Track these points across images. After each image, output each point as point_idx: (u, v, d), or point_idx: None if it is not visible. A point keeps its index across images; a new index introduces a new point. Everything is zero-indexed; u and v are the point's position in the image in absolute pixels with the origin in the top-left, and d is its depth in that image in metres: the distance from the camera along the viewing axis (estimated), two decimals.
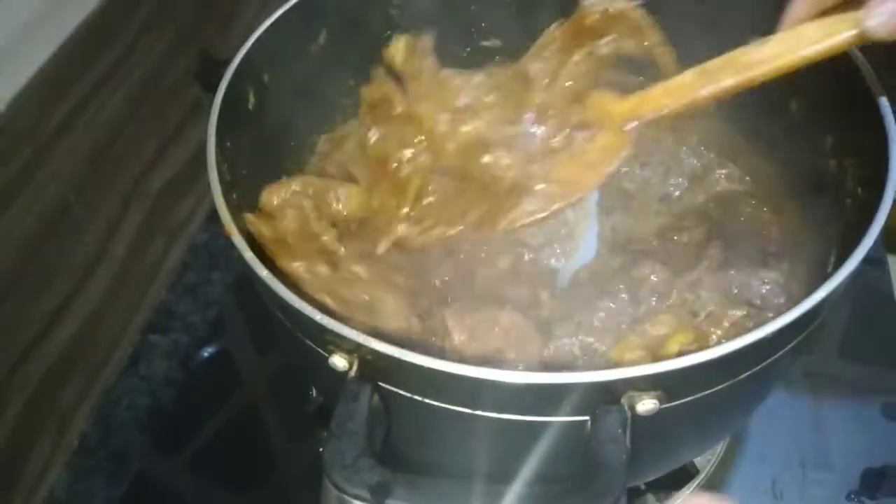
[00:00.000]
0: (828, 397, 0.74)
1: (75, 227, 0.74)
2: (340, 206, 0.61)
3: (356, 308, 0.55)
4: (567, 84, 0.57)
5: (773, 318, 0.43)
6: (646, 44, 0.55)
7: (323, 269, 0.57)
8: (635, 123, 0.54)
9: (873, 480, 0.69)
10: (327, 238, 0.59)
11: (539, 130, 0.56)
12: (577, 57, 0.57)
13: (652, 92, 0.53)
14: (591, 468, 0.40)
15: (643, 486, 0.65)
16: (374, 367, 0.43)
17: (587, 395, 0.41)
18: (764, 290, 0.59)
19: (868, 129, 0.52)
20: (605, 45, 0.56)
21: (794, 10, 0.49)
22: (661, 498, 0.66)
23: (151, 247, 0.87)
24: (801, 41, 0.48)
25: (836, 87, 0.55)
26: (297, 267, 0.56)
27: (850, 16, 0.46)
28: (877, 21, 0.44)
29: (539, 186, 0.54)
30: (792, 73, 0.52)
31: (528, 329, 0.56)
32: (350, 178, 0.65)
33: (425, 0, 0.69)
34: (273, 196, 0.59)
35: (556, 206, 0.54)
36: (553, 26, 0.58)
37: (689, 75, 0.52)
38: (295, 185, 0.60)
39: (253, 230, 0.55)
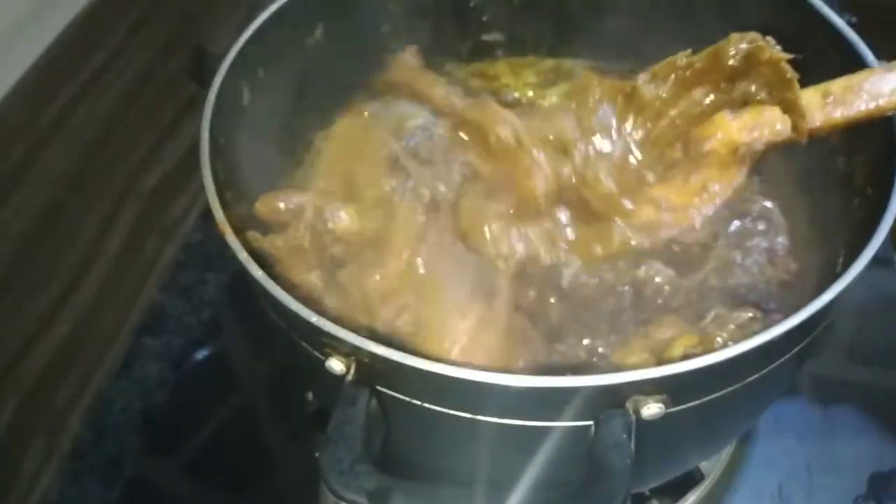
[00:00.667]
0: (835, 400, 0.74)
1: (68, 226, 0.74)
2: (332, 226, 0.59)
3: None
4: (674, 116, 0.55)
5: (781, 320, 0.42)
6: (783, 97, 0.52)
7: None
8: (751, 152, 0.51)
9: (881, 485, 0.68)
10: (336, 250, 0.58)
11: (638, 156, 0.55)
12: (698, 93, 0.54)
13: (767, 113, 0.51)
14: (595, 474, 0.40)
15: (647, 492, 0.64)
16: (371, 371, 0.43)
17: (591, 400, 0.40)
18: (771, 292, 0.58)
19: (877, 127, 0.51)
20: (736, 89, 0.53)
21: None
22: None
23: (145, 246, 0.87)
24: None
25: None
26: (314, 278, 0.55)
27: None
28: None
29: (646, 212, 0.53)
30: (801, 72, 0.51)
31: (532, 331, 0.55)
32: (350, 183, 0.64)
33: None
34: (267, 206, 0.58)
35: (663, 235, 0.54)
36: (681, 55, 0.55)
37: (810, 95, 0.49)
38: (287, 202, 0.59)
39: (262, 246, 0.54)
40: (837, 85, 0.49)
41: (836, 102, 0.48)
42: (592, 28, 0.69)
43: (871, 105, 0.48)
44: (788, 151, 0.65)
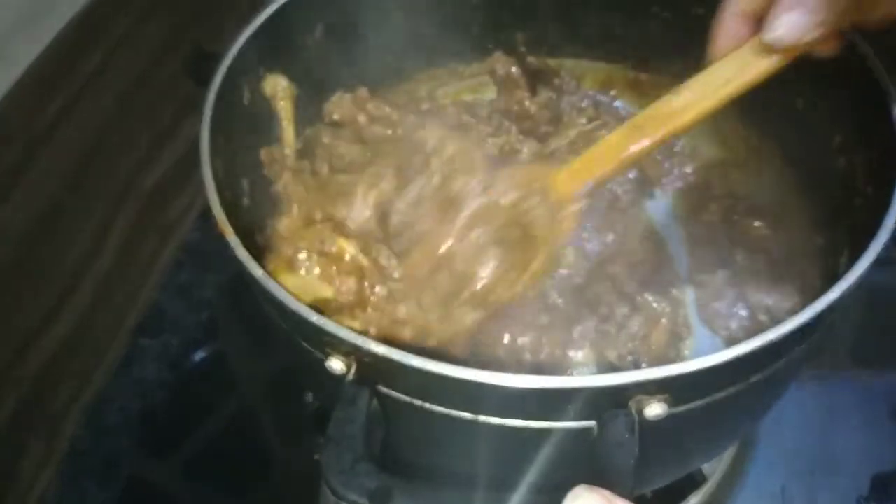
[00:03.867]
0: (837, 401, 0.74)
1: (67, 226, 0.74)
2: None
3: None
4: None
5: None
6: None
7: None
8: (581, 193, 0.54)
9: (883, 485, 0.68)
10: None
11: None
12: None
13: (589, 156, 0.53)
14: (599, 474, 0.40)
15: (649, 495, 0.64)
16: (372, 370, 0.43)
17: (594, 400, 0.41)
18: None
19: (877, 126, 0.51)
20: None
21: (716, 48, 0.49)
22: None
23: (144, 246, 0.87)
24: (717, 81, 0.49)
25: (844, 84, 0.55)
26: None
27: (756, 41, 0.46)
28: (775, 34, 0.44)
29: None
30: (798, 70, 0.51)
31: None
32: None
33: None
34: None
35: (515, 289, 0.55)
36: None
37: (618, 135, 0.52)
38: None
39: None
40: (639, 118, 0.52)
41: (640, 132, 0.51)
42: (591, 29, 0.70)
43: (670, 126, 0.50)
44: (789, 152, 0.65)
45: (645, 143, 0.51)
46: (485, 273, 0.55)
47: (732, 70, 0.48)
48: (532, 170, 0.58)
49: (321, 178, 0.63)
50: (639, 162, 0.54)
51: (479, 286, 0.55)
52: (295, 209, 0.59)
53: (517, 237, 0.55)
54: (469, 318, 0.55)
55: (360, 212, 0.59)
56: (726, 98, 0.48)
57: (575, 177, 0.54)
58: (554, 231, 0.54)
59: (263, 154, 0.61)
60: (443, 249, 0.56)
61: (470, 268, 0.55)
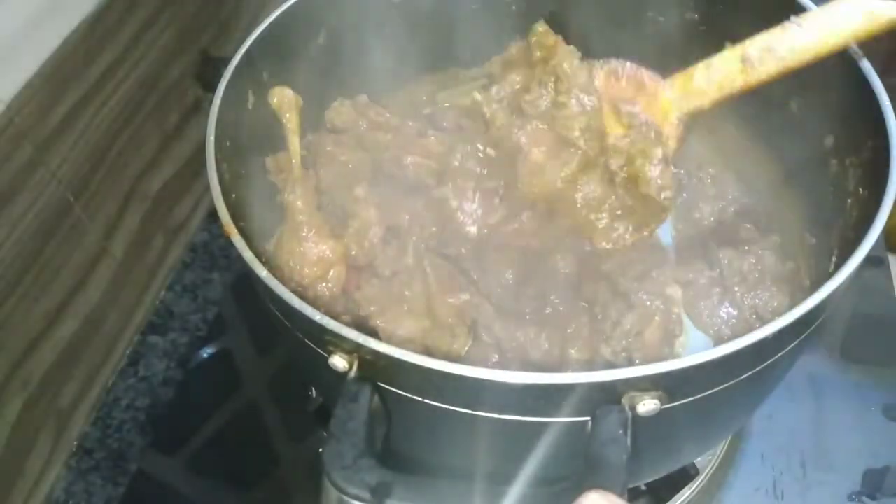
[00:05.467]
0: (829, 397, 0.74)
1: (75, 226, 0.74)
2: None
3: None
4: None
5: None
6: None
7: None
8: (679, 118, 0.52)
9: (875, 481, 0.69)
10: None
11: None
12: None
13: (695, 78, 0.52)
14: (592, 469, 0.40)
15: (643, 487, 0.65)
16: (373, 368, 0.43)
17: (588, 396, 0.41)
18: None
19: (869, 128, 0.52)
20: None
21: None
22: (661, 499, 0.66)
23: (151, 246, 0.88)
24: (845, 20, 0.47)
25: (837, 86, 0.55)
26: None
27: None
28: None
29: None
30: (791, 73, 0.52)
31: None
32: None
33: None
34: None
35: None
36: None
37: (729, 59, 0.50)
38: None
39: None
40: (755, 47, 0.49)
41: (753, 65, 0.49)
42: (586, 32, 0.70)
43: (783, 64, 0.49)
44: (781, 154, 0.66)
45: (755, 76, 0.49)
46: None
47: (859, 9, 0.47)
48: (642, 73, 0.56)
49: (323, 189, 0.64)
50: (738, 95, 0.51)
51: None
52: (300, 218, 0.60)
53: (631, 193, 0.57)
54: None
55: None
56: (855, 38, 0.47)
57: (680, 100, 0.52)
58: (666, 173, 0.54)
59: (269, 162, 0.61)
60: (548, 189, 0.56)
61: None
